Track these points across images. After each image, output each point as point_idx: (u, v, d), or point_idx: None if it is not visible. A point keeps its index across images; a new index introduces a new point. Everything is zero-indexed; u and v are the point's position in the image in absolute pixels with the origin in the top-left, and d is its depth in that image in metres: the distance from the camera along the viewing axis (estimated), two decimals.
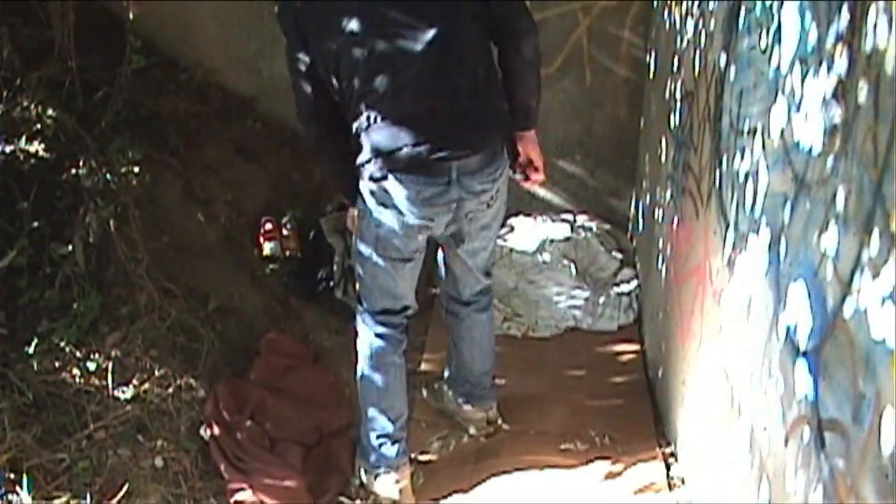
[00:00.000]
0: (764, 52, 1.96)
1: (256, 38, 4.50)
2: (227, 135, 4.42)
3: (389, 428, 3.06)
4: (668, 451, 3.12)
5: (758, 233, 2.00)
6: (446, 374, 3.46)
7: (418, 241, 2.86)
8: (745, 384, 2.11)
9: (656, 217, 3.58)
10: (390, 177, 2.66)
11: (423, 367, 3.75)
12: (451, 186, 2.68)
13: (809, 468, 1.63)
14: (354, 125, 2.67)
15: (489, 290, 3.27)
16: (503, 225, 3.55)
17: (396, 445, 3.08)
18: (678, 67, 3.18)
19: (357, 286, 3.14)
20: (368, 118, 2.63)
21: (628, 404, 3.42)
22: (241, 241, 4.06)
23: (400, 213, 2.72)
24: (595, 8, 4.20)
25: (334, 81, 2.66)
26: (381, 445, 3.08)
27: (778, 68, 1.86)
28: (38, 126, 3.94)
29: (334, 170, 2.92)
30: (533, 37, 2.74)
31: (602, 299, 3.95)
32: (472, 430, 3.40)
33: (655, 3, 3.99)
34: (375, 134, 2.63)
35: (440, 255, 3.19)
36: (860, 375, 1.39)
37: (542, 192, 4.52)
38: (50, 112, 3.98)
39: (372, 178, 2.69)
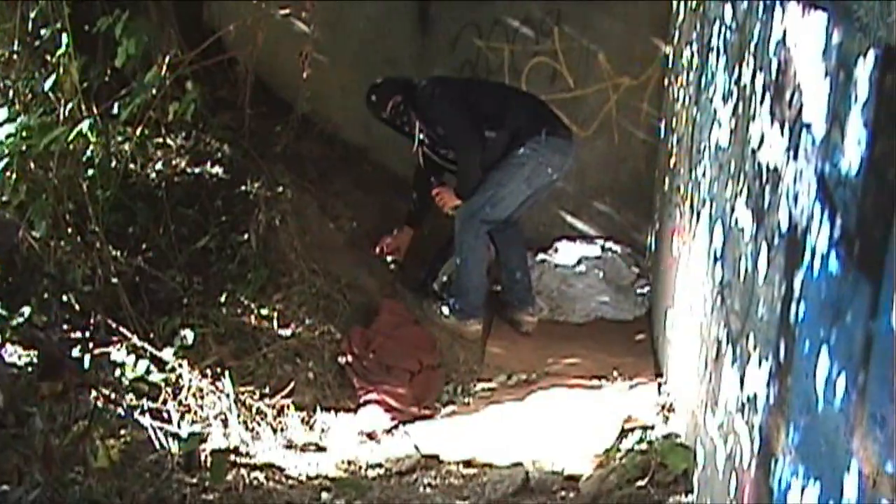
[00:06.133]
0: (711, 100, 3.41)
1: None
2: (348, 173, 5.93)
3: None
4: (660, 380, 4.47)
5: (702, 209, 3.41)
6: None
7: None
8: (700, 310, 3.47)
9: (663, 232, 4.98)
10: None
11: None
12: None
13: None
14: None
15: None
16: (550, 246, 5.15)
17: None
18: (676, 125, 4.64)
19: None
20: None
21: (636, 360, 4.77)
22: (360, 245, 5.52)
23: None
24: (622, 86, 5.70)
25: None
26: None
27: (715, 109, 3.31)
28: (219, 156, 5.50)
29: None
30: None
31: (622, 298, 5.33)
32: (523, 329, 5.06)
33: (666, 81, 5.47)
34: None
35: None
36: None
37: (580, 224, 5.96)
38: (226, 147, 5.55)
39: None
